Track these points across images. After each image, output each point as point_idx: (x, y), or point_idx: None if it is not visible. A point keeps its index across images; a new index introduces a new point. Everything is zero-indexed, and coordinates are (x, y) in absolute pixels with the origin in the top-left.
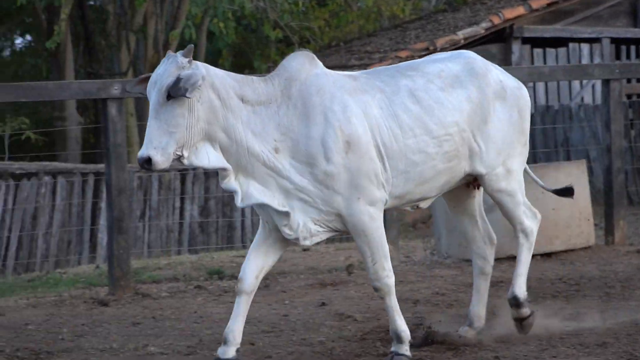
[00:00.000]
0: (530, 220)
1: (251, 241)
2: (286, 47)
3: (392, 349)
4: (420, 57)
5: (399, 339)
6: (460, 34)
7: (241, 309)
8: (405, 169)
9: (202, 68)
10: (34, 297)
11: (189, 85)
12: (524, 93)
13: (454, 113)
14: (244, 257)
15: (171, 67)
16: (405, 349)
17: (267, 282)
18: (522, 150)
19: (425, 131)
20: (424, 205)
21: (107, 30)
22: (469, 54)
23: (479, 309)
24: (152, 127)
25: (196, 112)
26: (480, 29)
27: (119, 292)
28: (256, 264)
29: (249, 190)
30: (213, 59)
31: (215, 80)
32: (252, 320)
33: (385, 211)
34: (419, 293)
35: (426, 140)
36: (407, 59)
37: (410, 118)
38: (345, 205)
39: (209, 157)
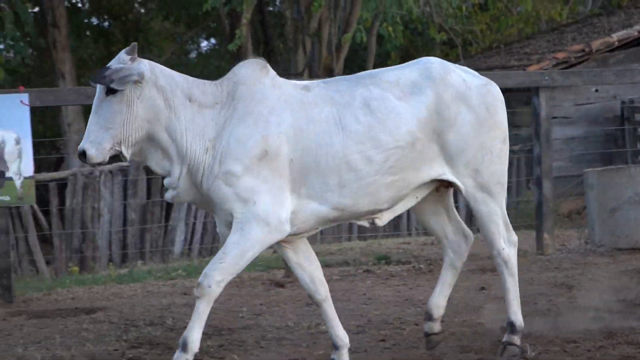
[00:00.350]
0: (508, 247)
1: (416, 229)
2: (450, 49)
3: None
4: (576, 58)
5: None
6: (615, 36)
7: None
8: (340, 183)
9: (146, 66)
10: None
11: (116, 77)
12: (492, 89)
13: (410, 122)
14: (409, 244)
15: (114, 62)
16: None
17: (431, 268)
18: (501, 147)
19: (374, 144)
20: (385, 217)
21: (285, 34)
22: (428, 59)
23: (439, 300)
24: (91, 121)
25: (135, 109)
26: (634, 31)
27: (293, 275)
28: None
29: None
30: (382, 61)
31: (160, 80)
32: (417, 302)
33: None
34: (573, 279)
35: (372, 153)
36: (563, 60)
37: (360, 130)
38: (235, 210)
39: (150, 157)
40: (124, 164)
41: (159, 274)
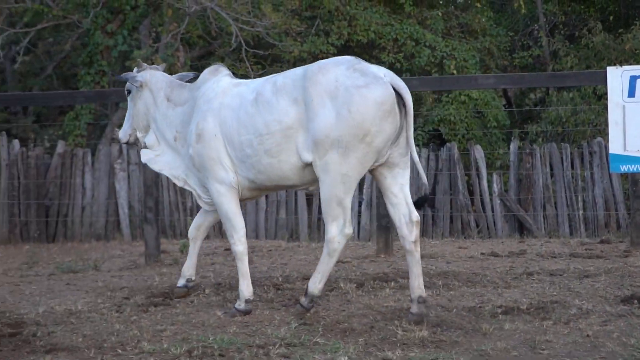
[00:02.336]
0: (336, 230)
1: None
2: None
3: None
4: None
5: (239, 296)
6: None
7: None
8: (242, 159)
9: (146, 75)
10: None
11: (128, 79)
12: (366, 92)
13: (281, 113)
14: None
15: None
16: (243, 305)
17: None
18: (355, 144)
19: (254, 130)
20: (312, 189)
21: None
22: (321, 61)
23: (412, 282)
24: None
25: (138, 105)
26: None
27: None
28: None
29: (157, 159)
30: None
31: (152, 84)
32: None
33: None
34: None
35: (252, 138)
36: None
37: (247, 119)
38: (204, 181)
39: (151, 140)
40: None
41: None
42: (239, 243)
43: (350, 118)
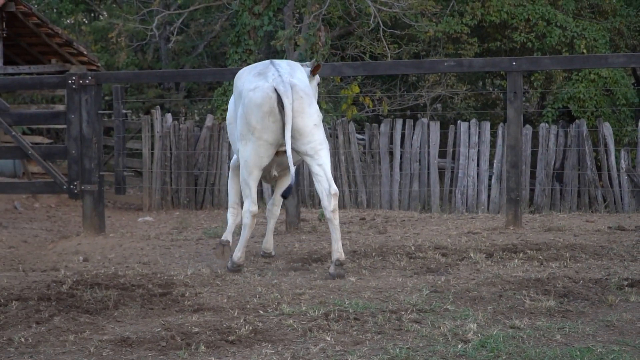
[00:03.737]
0: (246, 206)
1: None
2: None
3: None
4: None
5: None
6: None
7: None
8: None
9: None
10: None
11: None
12: (252, 95)
13: (230, 108)
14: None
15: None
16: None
17: None
18: (250, 137)
19: (231, 120)
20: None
21: None
22: (246, 67)
23: (332, 246)
24: None
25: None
26: None
27: None
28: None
29: None
30: None
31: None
32: None
33: None
34: None
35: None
36: None
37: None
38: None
39: None
40: None
41: None
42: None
43: (243, 116)
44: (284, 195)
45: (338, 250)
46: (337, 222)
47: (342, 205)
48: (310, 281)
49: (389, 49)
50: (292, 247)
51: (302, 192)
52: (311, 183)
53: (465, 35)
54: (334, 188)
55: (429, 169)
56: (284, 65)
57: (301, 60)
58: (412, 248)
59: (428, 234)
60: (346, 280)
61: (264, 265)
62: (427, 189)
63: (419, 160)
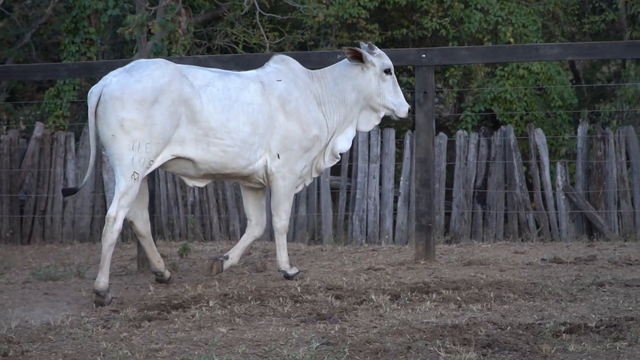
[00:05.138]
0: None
1: None
2: None
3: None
4: None
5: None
6: None
7: None
8: None
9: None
10: None
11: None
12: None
13: None
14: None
15: None
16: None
17: None
18: (116, 138)
19: None
20: None
21: None
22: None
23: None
24: None
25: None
26: None
27: None
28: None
29: None
30: None
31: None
32: None
33: None
34: None
35: None
36: None
37: None
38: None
39: None
40: None
41: None
42: None
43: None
44: (63, 193)
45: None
46: (104, 247)
47: (209, 237)
48: (169, 333)
49: (268, 38)
50: (146, 291)
51: (158, 221)
52: (169, 209)
53: (363, 20)
54: (109, 211)
55: (318, 189)
56: (135, 62)
57: (156, 52)
58: (299, 289)
59: (318, 271)
60: (215, 332)
61: (110, 314)
62: (316, 214)
63: None
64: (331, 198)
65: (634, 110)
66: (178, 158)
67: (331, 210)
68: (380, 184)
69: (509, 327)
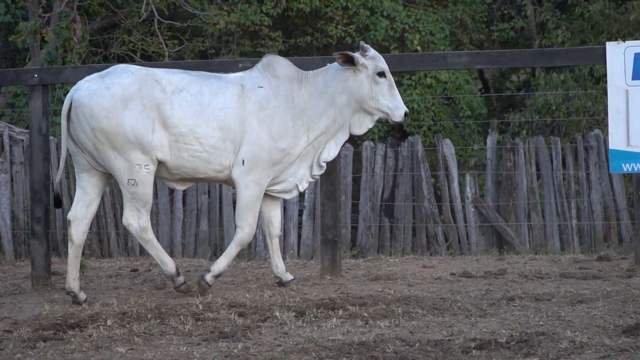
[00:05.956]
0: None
1: None
2: None
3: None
4: None
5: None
6: None
7: None
8: None
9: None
10: None
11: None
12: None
13: None
14: None
15: None
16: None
17: None
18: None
19: None
20: None
21: None
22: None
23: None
24: None
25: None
26: None
27: None
28: None
29: None
30: None
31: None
32: None
33: None
34: None
35: None
36: None
37: None
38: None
39: None
40: None
41: None
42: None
43: None
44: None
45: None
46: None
47: (107, 253)
48: (66, 354)
49: (167, 46)
50: (40, 310)
51: (54, 237)
52: (65, 225)
53: (266, 28)
54: (124, 219)
55: (220, 202)
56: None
57: (50, 61)
58: (200, 307)
59: (220, 287)
60: (113, 352)
61: (2, 334)
62: (219, 228)
63: (209, 191)
64: (234, 213)
65: (544, 120)
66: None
67: (234, 225)
68: None
69: (417, 344)
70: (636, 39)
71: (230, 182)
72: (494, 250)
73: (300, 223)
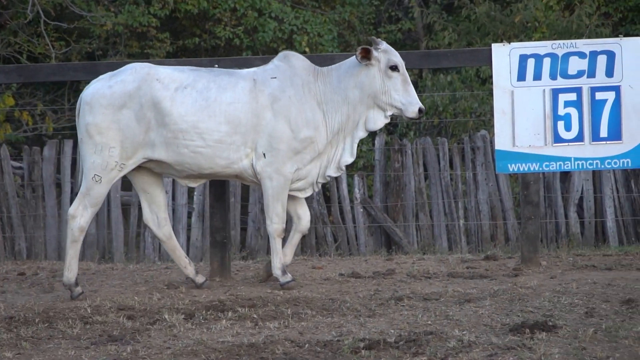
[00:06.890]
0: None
1: None
2: None
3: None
4: None
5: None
6: None
7: None
8: None
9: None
10: None
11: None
12: None
13: None
14: None
15: None
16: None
17: None
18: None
19: None
20: None
21: None
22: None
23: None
24: None
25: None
26: None
27: None
28: None
29: None
30: None
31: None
32: None
33: None
34: None
35: None
36: None
37: None
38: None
39: None
40: None
41: None
42: None
43: None
44: None
45: None
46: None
47: None
48: None
49: (54, 48)
50: None
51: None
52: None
53: (154, 29)
54: (70, 208)
55: (109, 205)
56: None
57: None
58: (89, 310)
59: (109, 290)
60: (0, 357)
61: None
62: (107, 231)
63: None
64: (122, 214)
65: (431, 121)
66: (153, 161)
67: (122, 227)
68: (174, 198)
69: (307, 345)
70: (521, 40)
71: (242, 177)
72: (383, 250)
73: (189, 225)
